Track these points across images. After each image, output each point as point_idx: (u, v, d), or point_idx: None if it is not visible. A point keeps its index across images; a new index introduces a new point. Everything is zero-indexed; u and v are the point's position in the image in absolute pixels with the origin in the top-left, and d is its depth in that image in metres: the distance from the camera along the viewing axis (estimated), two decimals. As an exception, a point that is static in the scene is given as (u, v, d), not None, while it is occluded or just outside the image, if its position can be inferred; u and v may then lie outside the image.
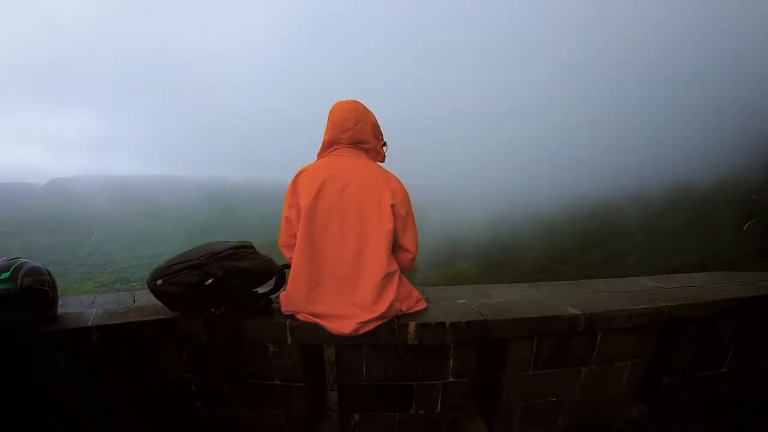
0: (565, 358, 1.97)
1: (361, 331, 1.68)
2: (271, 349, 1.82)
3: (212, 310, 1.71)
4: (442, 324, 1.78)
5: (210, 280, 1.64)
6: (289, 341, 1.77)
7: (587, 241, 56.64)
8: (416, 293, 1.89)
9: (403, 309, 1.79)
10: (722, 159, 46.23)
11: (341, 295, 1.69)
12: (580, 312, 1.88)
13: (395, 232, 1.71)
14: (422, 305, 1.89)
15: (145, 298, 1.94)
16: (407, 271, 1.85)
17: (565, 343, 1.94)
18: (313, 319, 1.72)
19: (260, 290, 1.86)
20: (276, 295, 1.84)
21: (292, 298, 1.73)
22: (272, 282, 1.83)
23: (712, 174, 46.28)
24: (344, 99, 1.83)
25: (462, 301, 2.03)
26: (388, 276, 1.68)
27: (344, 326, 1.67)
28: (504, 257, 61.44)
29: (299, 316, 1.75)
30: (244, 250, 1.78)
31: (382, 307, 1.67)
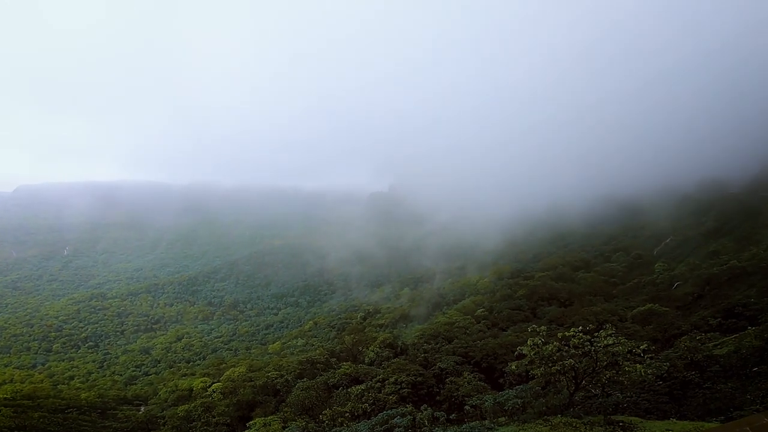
0: None
1: None
2: None
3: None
4: None
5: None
6: None
7: (611, 246, 53.40)
8: None
9: None
10: (756, 153, 43.76)
11: None
12: None
13: None
14: None
15: None
16: None
17: None
18: None
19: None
20: None
21: None
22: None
23: (746, 169, 43.49)
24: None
25: None
26: None
27: None
28: (520, 265, 57.75)
29: None
30: None
31: None
